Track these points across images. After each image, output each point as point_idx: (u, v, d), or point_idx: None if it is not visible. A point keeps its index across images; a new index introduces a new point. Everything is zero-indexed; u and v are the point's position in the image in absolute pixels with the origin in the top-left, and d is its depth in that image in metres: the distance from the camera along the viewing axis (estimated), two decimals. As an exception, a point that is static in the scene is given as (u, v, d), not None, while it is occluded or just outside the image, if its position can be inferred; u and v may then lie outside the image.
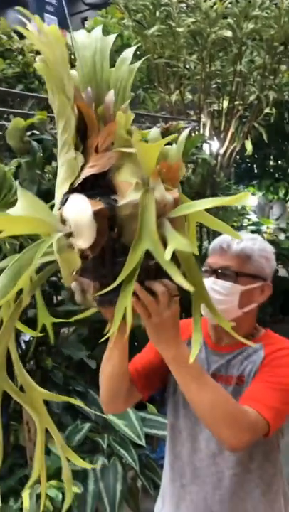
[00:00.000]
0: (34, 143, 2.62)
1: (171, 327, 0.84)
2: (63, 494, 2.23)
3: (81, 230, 0.60)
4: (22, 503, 2.15)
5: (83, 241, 0.60)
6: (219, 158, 4.80)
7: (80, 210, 0.60)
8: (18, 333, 3.01)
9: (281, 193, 6.94)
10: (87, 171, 0.62)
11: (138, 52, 5.64)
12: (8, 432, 2.54)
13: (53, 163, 2.79)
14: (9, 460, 2.42)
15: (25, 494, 2.19)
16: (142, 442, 2.45)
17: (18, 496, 2.22)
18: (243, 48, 4.50)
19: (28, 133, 2.62)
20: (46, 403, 2.73)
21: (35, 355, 2.93)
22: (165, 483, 1.29)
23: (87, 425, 2.57)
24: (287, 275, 6.59)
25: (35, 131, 2.66)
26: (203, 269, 1.17)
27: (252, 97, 4.87)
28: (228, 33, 4.12)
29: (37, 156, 2.63)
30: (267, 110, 5.01)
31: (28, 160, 2.61)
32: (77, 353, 2.65)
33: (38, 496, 2.19)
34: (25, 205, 0.59)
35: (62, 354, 2.75)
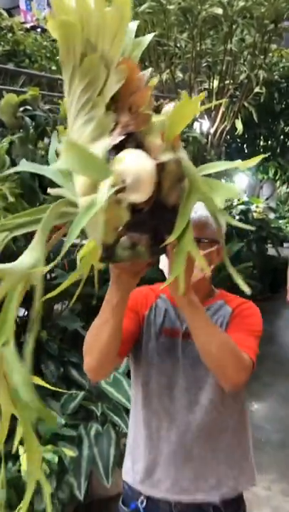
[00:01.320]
0: (27, 119, 2.65)
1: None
2: (60, 457, 2.33)
3: (139, 184, 0.61)
4: (20, 465, 2.25)
5: (140, 195, 0.62)
6: (210, 137, 4.85)
7: (142, 164, 0.62)
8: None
9: (271, 172, 7.01)
10: (125, 129, 0.64)
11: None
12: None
13: (46, 140, 2.82)
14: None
15: (23, 458, 2.29)
16: (134, 408, 2.54)
17: (17, 459, 2.31)
18: (234, 26, 4.52)
19: (21, 109, 2.65)
20: (41, 374, 2.83)
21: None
22: (137, 441, 1.36)
23: (81, 394, 2.66)
24: (276, 254, 6.71)
25: (28, 107, 2.69)
26: None
27: (242, 76, 4.91)
28: (219, 11, 4.12)
29: (30, 132, 2.66)
30: (257, 89, 5.04)
31: (21, 136, 2.64)
32: (72, 325, 2.73)
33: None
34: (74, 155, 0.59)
35: (57, 327, 2.83)
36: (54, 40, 6.11)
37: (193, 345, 1.15)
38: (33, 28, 6.86)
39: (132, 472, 1.37)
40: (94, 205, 0.56)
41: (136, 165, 0.61)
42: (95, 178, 0.60)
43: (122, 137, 0.63)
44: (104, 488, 2.64)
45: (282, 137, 6.49)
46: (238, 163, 0.69)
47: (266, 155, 6.67)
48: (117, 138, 0.63)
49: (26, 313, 3.15)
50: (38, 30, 6.63)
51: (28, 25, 6.79)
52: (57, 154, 0.76)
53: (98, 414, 2.60)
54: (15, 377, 0.55)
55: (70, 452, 2.38)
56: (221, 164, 0.71)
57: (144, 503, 1.33)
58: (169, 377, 1.29)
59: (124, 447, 2.66)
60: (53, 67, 5.79)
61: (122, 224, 0.64)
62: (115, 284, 0.97)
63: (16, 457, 2.33)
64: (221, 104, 4.94)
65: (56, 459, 2.29)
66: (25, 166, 0.85)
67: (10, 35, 5.53)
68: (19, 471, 2.24)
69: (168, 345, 1.28)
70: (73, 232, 0.56)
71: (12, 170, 0.86)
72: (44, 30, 6.33)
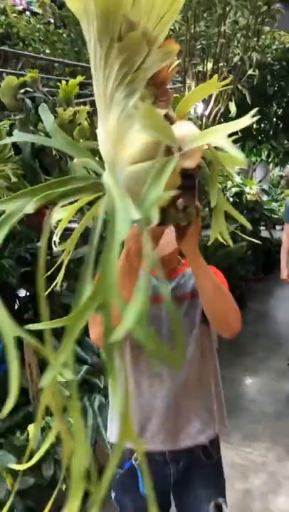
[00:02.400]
0: (27, 101, 2.70)
1: (199, 236, 1.11)
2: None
3: (194, 151, 0.68)
4: (28, 435, 2.35)
5: (193, 161, 0.68)
6: (204, 119, 4.89)
7: (195, 133, 0.68)
8: (14, 289, 3.16)
9: (264, 155, 7.07)
10: (166, 103, 0.70)
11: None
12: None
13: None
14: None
15: (31, 427, 2.39)
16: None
17: (24, 429, 2.41)
18: (228, 8, 4.54)
19: (21, 91, 2.70)
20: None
21: (33, 305, 3.09)
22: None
23: (84, 367, 2.76)
24: (269, 236, 6.81)
25: (28, 89, 2.74)
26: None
27: (236, 59, 4.93)
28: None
29: (30, 114, 2.72)
30: (250, 72, 5.08)
31: (22, 117, 2.70)
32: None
33: (43, 429, 2.39)
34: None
35: (58, 304, 2.91)
36: (47, 23, 6.09)
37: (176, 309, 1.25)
38: (24, 11, 6.81)
39: None
40: (165, 169, 0.63)
41: (191, 134, 0.68)
42: (167, 143, 0.66)
43: (167, 110, 0.70)
44: (104, 458, 2.76)
45: (274, 119, 6.54)
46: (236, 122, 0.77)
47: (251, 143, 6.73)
48: (163, 110, 0.69)
49: (28, 293, 3.24)
50: (27, 13, 6.58)
51: (20, 8, 6.74)
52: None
53: (101, 386, 2.71)
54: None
55: (75, 422, 2.48)
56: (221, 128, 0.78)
57: (138, 459, 1.42)
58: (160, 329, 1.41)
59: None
60: (47, 51, 5.78)
61: (175, 188, 0.70)
62: (138, 251, 1.05)
63: (22, 428, 2.43)
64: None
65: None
66: (56, 141, 0.90)
67: (3, 17, 5.50)
68: (27, 440, 2.34)
69: (153, 312, 1.38)
70: (154, 192, 0.59)
71: (43, 142, 0.90)
72: (34, 14, 6.28)
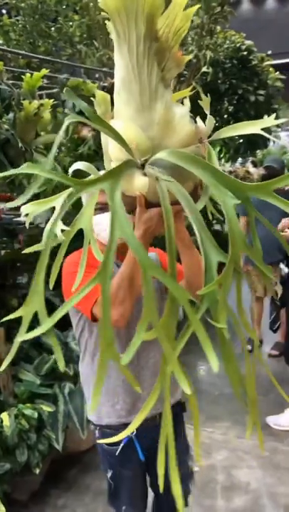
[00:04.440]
0: (-7, 92, 2.71)
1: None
2: (39, 413, 2.49)
3: (205, 142, 0.85)
4: (2, 421, 2.39)
5: (204, 150, 0.86)
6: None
7: (205, 127, 0.87)
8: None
9: (216, 151, 7.30)
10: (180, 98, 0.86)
11: (77, 8, 5.63)
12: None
13: (10, 114, 2.89)
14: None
15: (4, 414, 2.43)
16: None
17: (-3, 417, 2.45)
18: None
19: (-13, 83, 2.70)
20: (13, 341, 2.95)
21: (0, 296, 3.11)
22: (114, 384, 1.54)
23: (53, 357, 2.81)
24: (221, 230, 7.06)
25: (-7, 81, 2.74)
26: (99, 206, 1.47)
27: (190, 56, 5.09)
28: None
29: (-4, 105, 2.73)
30: (204, 69, 5.26)
31: (-12, 109, 2.70)
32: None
33: (16, 416, 2.44)
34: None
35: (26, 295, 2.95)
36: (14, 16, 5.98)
37: None
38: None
39: (113, 414, 1.56)
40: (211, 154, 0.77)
41: (205, 128, 0.81)
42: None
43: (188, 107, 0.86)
44: (75, 444, 2.84)
45: (226, 116, 6.77)
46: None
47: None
48: (185, 106, 0.85)
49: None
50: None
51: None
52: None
53: (71, 374, 2.78)
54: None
55: (48, 408, 2.55)
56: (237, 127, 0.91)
57: (135, 431, 1.53)
58: (138, 313, 1.50)
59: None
60: (0, 41, 5.71)
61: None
62: (157, 230, 1.11)
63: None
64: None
65: (36, 415, 2.46)
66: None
67: None
68: (1, 426, 2.38)
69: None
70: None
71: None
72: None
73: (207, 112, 0.96)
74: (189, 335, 0.71)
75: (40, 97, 3.64)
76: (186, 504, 1.84)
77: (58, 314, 0.64)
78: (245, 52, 6.13)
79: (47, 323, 0.65)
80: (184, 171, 0.74)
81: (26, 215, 0.89)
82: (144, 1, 0.79)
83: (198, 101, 1.08)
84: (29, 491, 2.59)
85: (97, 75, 5.31)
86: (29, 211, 0.88)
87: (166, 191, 0.76)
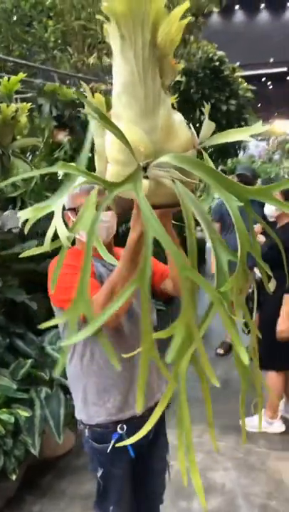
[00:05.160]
0: None
1: None
2: (15, 418, 2.47)
3: None
4: (-23, 427, 2.36)
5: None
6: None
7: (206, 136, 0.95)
8: None
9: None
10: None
11: (51, 14, 5.64)
12: None
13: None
14: None
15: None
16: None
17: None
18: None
19: None
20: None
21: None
22: (106, 381, 1.58)
23: (29, 361, 2.79)
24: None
25: None
26: (78, 207, 1.55)
27: (181, 65, 5.18)
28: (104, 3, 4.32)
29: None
30: (178, 78, 5.35)
31: None
32: (19, 296, 2.84)
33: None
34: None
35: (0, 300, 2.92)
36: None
37: None
38: None
39: (104, 412, 1.58)
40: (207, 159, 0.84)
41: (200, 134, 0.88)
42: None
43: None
44: (50, 449, 2.82)
45: (198, 125, 6.86)
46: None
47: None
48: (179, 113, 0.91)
49: None
50: None
51: None
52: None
53: (47, 379, 2.76)
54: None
55: (24, 413, 2.53)
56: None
57: (125, 428, 1.55)
58: (138, 319, 1.54)
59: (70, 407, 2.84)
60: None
61: None
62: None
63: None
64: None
65: (13, 419, 2.43)
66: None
67: None
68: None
69: None
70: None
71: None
72: None
73: (206, 117, 1.00)
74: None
75: (16, 100, 3.64)
76: (161, 501, 1.87)
77: (108, 312, 0.69)
78: (217, 63, 6.26)
79: (95, 323, 0.66)
80: (184, 175, 0.78)
81: (25, 221, 0.88)
82: (150, 8, 0.82)
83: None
84: (5, 497, 2.55)
85: (68, 81, 5.32)
86: (29, 216, 0.88)
87: (184, 192, 0.79)
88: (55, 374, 0.64)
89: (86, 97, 1.01)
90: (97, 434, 1.60)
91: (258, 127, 1.02)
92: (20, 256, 1.00)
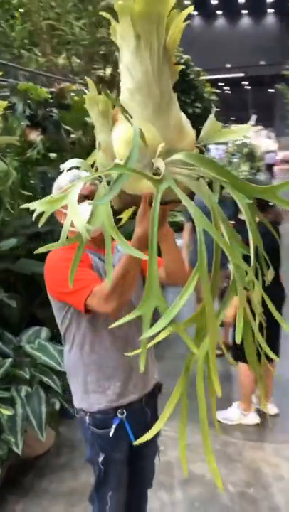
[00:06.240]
0: None
1: None
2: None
3: None
4: None
5: None
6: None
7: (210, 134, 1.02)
8: None
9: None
10: None
11: (15, 14, 5.59)
12: None
13: None
14: None
15: None
16: (63, 368, 2.74)
17: None
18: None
19: None
20: None
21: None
22: (107, 368, 1.62)
23: (8, 360, 2.77)
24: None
25: None
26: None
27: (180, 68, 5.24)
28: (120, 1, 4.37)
29: None
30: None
31: None
32: (-2, 295, 2.82)
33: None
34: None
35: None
36: None
37: None
38: None
39: (104, 399, 1.63)
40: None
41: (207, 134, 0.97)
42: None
43: None
44: (30, 449, 2.81)
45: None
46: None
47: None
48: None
49: None
50: None
51: None
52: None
53: (28, 377, 2.75)
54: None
55: (7, 411, 2.52)
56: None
57: (125, 413, 1.61)
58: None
59: (51, 406, 2.83)
60: None
61: None
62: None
63: None
64: (112, 92, 5.22)
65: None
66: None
67: None
68: None
69: None
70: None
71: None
72: None
73: (210, 116, 1.05)
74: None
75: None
76: (150, 486, 1.93)
77: (177, 306, 0.75)
78: (183, 66, 6.37)
79: (169, 314, 0.75)
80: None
81: (40, 215, 0.90)
82: (165, 9, 0.87)
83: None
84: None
85: (37, 81, 5.28)
86: (44, 209, 0.90)
87: (207, 191, 0.84)
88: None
89: (108, 94, 1.04)
90: (98, 421, 1.64)
91: (247, 128, 1.09)
92: (35, 252, 1.01)
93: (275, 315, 0.88)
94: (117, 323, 0.82)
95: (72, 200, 0.88)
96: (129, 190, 1.02)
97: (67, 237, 0.88)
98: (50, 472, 2.86)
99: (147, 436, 0.87)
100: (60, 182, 1.64)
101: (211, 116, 1.08)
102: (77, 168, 1.48)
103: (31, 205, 0.92)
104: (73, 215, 0.86)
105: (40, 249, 0.93)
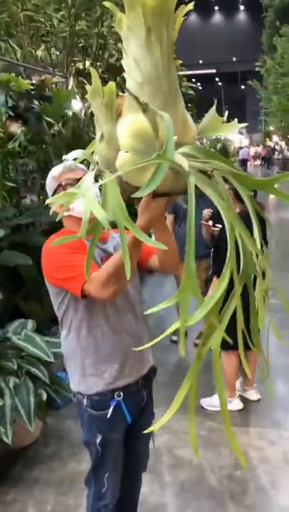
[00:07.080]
0: None
1: None
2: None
3: None
4: None
5: None
6: (88, 114, 5.09)
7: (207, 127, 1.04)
8: None
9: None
10: None
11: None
12: None
13: None
14: None
15: None
16: (51, 358, 2.75)
17: None
18: (105, 10, 4.80)
19: None
20: None
21: None
22: (103, 352, 1.65)
23: (-5, 352, 2.77)
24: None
25: None
26: (65, 183, 1.65)
27: (112, 59, 5.22)
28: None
29: None
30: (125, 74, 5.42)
31: None
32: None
33: None
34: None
35: None
36: None
37: None
38: None
39: (102, 382, 1.66)
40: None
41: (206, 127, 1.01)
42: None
43: None
44: (18, 439, 2.81)
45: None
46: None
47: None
48: None
49: None
50: None
51: None
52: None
53: (15, 368, 2.74)
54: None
55: (-4, 403, 2.51)
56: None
57: (122, 394, 1.64)
58: (130, 295, 1.69)
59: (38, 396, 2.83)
60: None
61: None
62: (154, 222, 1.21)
63: None
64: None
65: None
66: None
67: None
68: None
69: None
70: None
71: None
72: None
73: (210, 111, 1.07)
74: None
75: None
76: (144, 469, 1.97)
77: (212, 299, 0.80)
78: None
79: (206, 306, 0.80)
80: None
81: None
82: (173, 4, 0.90)
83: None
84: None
85: (13, 72, 5.22)
86: (62, 201, 0.94)
87: (221, 182, 0.87)
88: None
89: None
90: (95, 403, 1.66)
91: (238, 124, 1.11)
92: (53, 243, 1.03)
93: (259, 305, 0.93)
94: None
95: (88, 192, 0.92)
96: (134, 182, 1.01)
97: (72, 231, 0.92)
98: (39, 462, 2.86)
99: (156, 427, 0.92)
100: (54, 171, 1.72)
101: (212, 111, 1.09)
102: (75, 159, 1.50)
103: (54, 198, 0.97)
104: (92, 206, 0.88)
105: (56, 242, 1.04)
